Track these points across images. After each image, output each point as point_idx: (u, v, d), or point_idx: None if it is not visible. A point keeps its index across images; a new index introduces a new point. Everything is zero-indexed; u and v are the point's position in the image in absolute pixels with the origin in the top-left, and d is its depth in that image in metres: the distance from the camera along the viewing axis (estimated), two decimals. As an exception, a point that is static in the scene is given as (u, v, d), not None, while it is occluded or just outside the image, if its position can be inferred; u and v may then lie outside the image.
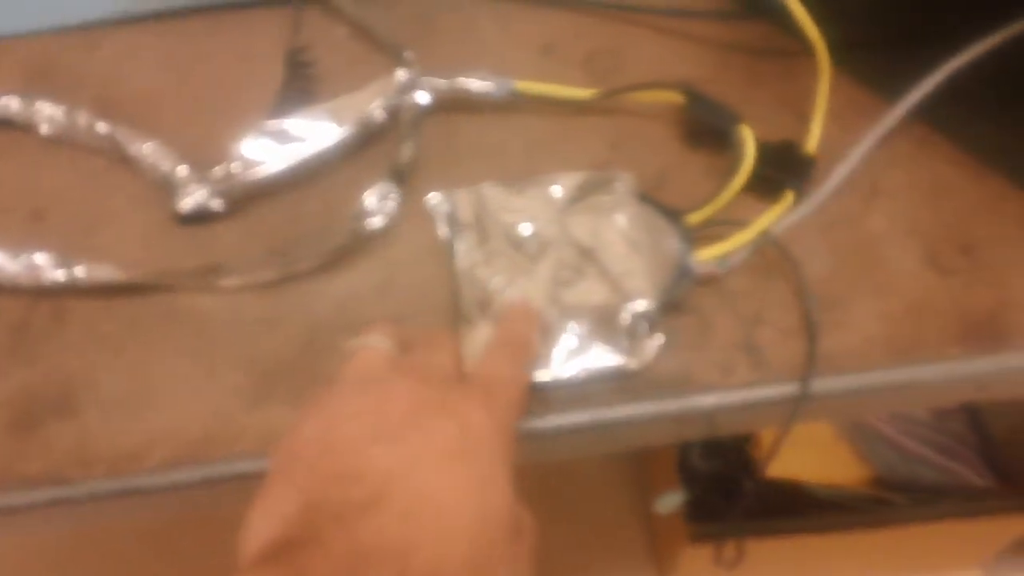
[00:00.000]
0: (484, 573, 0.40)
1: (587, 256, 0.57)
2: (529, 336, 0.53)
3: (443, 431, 0.42)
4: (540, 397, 0.54)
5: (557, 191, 0.60)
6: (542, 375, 0.54)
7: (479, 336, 0.54)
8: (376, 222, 0.58)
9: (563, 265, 0.57)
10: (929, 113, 0.62)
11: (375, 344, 0.49)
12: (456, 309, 0.56)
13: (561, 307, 0.55)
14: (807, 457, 1.24)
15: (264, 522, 0.41)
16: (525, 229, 0.58)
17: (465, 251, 0.58)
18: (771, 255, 0.59)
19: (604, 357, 0.54)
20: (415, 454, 0.41)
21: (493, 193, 0.60)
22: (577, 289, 0.56)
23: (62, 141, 0.62)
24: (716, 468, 1.25)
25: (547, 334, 0.55)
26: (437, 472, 0.41)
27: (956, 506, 1.23)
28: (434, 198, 0.61)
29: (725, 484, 1.22)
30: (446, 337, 0.52)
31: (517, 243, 0.58)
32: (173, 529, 1.48)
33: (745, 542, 0.73)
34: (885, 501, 1.25)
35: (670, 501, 1.15)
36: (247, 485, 0.54)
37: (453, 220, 0.59)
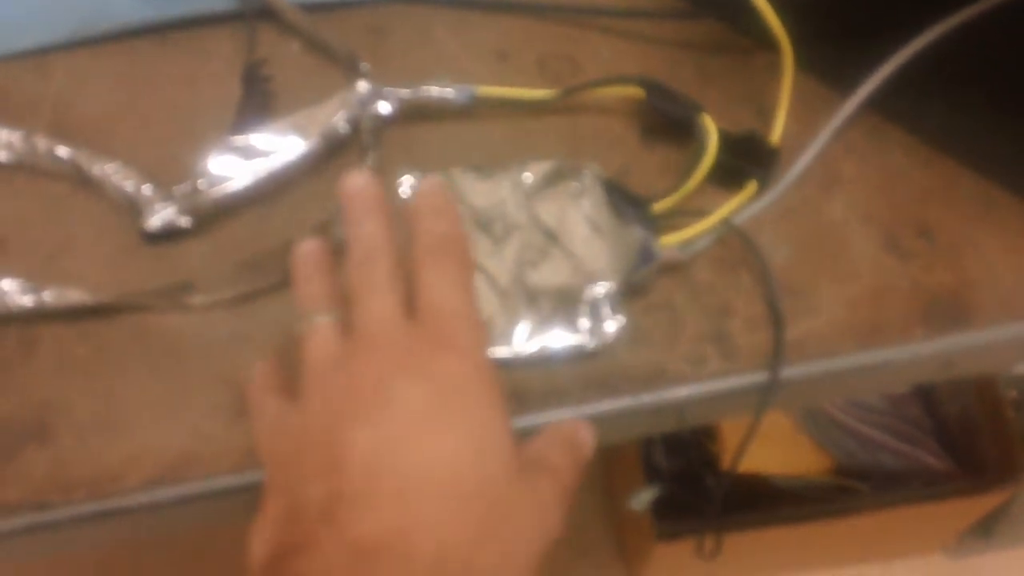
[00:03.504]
0: (502, 529, 0.39)
1: (552, 239, 0.58)
2: (455, 235, 0.46)
3: (415, 395, 0.40)
4: (515, 394, 0.55)
5: (527, 177, 0.61)
6: (503, 352, 0.55)
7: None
8: (341, 234, 0.58)
9: (528, 247, 0.58)
10: (879, 103, 0.63)
11: (320, 323, 0.45)
12: None
13: (525, 287, 0.57)
14: (768, 450, 1.26)
15: (259, 534, 0.40)
16: (492, 212, 0.59)
17: None
18: (736, 246, 0.60)
19: (564, 337, 0.56)
20: (393, 429, 0.39)
21: (463, 177, 0.61)
22: (541, 270, 0.57)
23: (21, 167, 0.62)
24: (680, 465, 1.26)
25: (510, 312, 0.56)
26: (420, 441, 0.39)
27: (917, 491, 1.25)
28: (406, 180, 0.61)
29: (689, 481, 1.23)
30: (378, 264, 0.45)
31: (485, 225, 0.59)
32: (159, 547, 1.47)
33: (716, 536, 0.73)
34: (847, 489, 1.26)
35: (644, 497, 1.16)
36: (232, 501, 0.54)
37: None
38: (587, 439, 0.49)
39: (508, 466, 0.40)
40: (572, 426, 0.49)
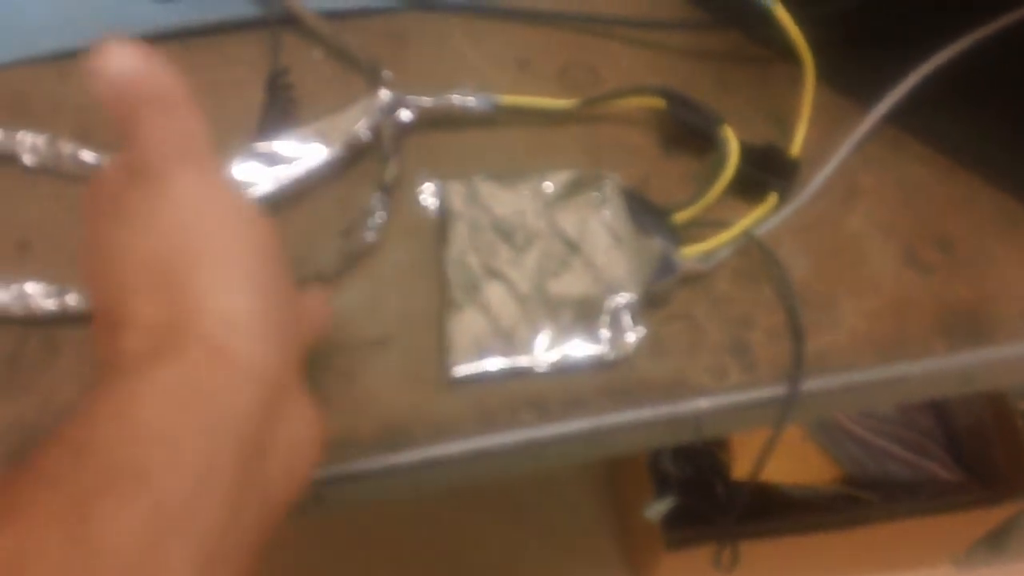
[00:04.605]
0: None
1: (572, 248, 0.58)
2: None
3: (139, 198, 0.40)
4: (535, 404, 0.55)
5: (548, 187, 0.61)
6: (523, 361, 0.55)
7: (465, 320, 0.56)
8: (363, 240, 0.58)
9: (549, 256, 0.58)
10: (900, 115, 0.63)
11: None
12: (443, 294, 0.57)
13: (546, 297, 0.57)
14: (776, 459, 1.25)
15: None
16: (514, 220, 0.59)
17: (456, 239, 0.59)
18: (756, 258, 0.60)
19: (585, 347, 0.56)
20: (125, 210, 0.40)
21: (485, 185, 0.61)
22: (562, 280, 0.57)
23: (46, 171, 0.62)
24: (689, 473, 1.25)
25: (532, 323, 0.56)
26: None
27: (926, 502, 1.24)
28: (427, 188, 0.62)
29: (699, 489, 1.22)
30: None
31: (506, 234, 0.59)
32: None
33: (732, 546, 0.73)
34: (856, 499, 1.26)
35: (659, 508, 1.15)
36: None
37: (445, 209, 0.60)
38: None
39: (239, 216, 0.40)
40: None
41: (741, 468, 1.22)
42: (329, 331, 0.51)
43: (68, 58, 0.67)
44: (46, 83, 0.66)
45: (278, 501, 0.38)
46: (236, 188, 0.40)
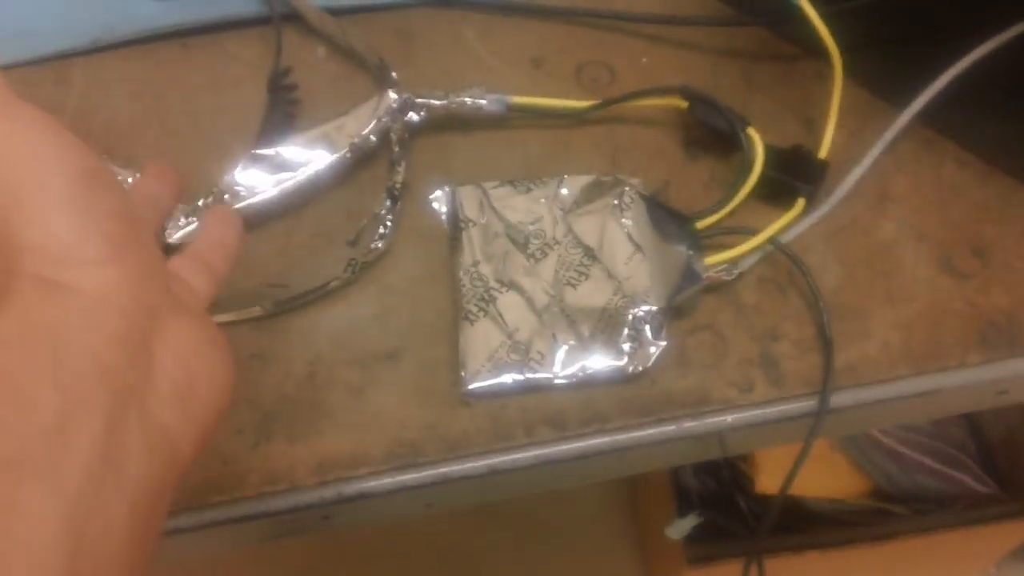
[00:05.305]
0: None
1: (592, 257, 0.57)
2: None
3: None
4: (552, 421, 0.53)
5: (564, 192, 0.59)
6: (541, 374, 0.53)
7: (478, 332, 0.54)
8: (371, 249, 0.56)
9: (567, 265, 0.56)
10: (932, 116, 0.60)
11: None
12: (456, 305, 0.56)
13: (564, 308, 0.55)
14: (804, 471, 1.22)
15: None
16: (529, 228, 0.58)
17: (468, 247, 0.57)
18: (783, 265, 0.57)
19: (605, 360, 0.54)
20: None
21: (498, 191, 0.59)
22: (580, 290, 0.55)
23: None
24: (711, 487, 1.23)
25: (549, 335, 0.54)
26: None
27: (958, 515, 1.22)
28: (438, 195, 0.60)
29: (721, 503, 1.20)
30: None
31: (521, 242, 0.57)
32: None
33: (759, 563, 0.71)
34: (886, 512, 1.23)
35: (683, 526, 1.13)
36: (258, 527, 0.52)
37: (457, 217, 0.58)
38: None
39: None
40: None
41: (764, 481, 1.20)
42: (238, 247, 0.47)
43: (67, 59, 0.65)
44: (44, 86, 0.64)
45: (175, 449, 0.35)
46: (41, 116, 0.36)
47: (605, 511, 1.53)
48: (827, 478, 1.25)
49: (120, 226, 0.36)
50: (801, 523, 1.21)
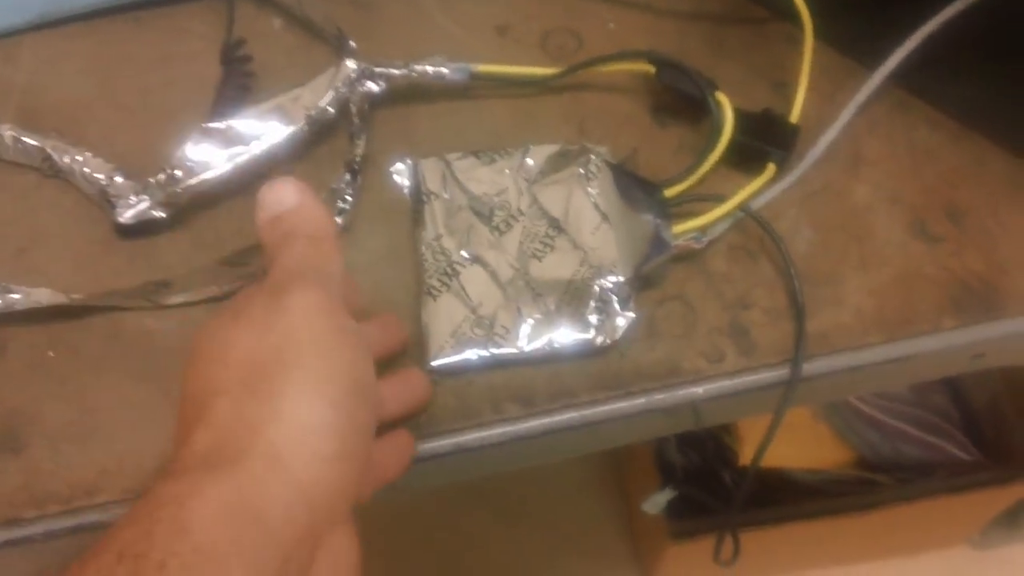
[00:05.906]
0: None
1: (557, 228, 0.56)
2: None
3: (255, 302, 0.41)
4: (519, 397, 0.52)
5: (529, 163, 0.58)
6: (507, 349, 0.52)
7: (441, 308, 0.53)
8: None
9: (532, 237, 0.55)
10: (905, 77, 0.59)
11: None
12: (419, 280, 0.55)
13: (529, 281, 0.54)
14: (787, 442, 1.22)
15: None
16: (493, 200, 0.57)
17: (430, 221, 0.56)
18: (754, 232, 0.56)
19: (572, 333, 0.53)
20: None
21: (462, 163, 0.58)
22: (546, 262, 0.55)
23: (-12, 159, 0.58)
24: (695, 461, 1.22)
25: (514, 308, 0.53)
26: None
27: (942, 482, 1.22)
28: (400, 168, 0.59)
29: (705, 477, 1.19)
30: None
31: (485, 214, 0.56)
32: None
33: (734, 539, 0.70)
34: (870, 482, 1.23)
35: (659, 500, 1.12)
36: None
37: (419, 190, 0.57)
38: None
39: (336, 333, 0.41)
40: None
41: (749, 454, 1.19)
42: (399, 478, 0.49)
43: (14, 36, 0.64)
44: (-9, 65, 0.62)
45: None
46: (347, 317, 0.41)
47: (590, 489, 1.52)
48: (810, 449, 1.25)
49: (358, 444, 0.39)
50: (786, 495, 1.21)
